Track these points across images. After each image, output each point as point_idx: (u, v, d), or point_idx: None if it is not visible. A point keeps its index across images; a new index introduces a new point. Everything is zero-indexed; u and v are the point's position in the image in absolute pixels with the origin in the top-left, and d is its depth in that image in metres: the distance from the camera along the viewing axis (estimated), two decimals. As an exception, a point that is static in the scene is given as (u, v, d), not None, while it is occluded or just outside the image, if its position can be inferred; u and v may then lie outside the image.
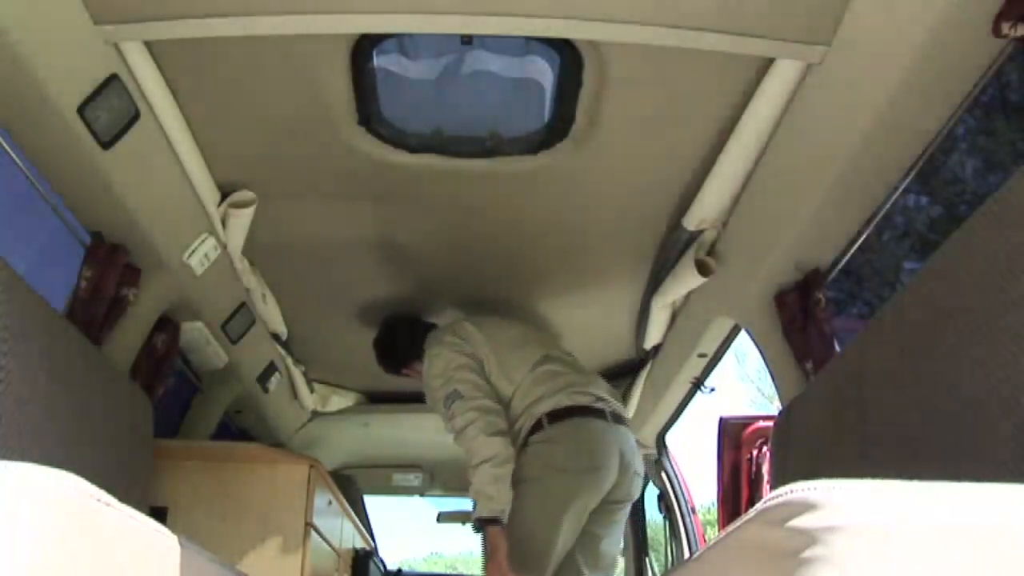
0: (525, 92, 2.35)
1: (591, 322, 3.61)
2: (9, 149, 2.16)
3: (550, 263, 3.18)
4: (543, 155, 2.51)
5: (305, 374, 4.01)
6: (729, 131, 2.33)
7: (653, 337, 3.45)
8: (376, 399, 4.49)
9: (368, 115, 2.38)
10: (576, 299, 3.43)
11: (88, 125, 2.05)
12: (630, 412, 4.06)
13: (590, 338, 3.76)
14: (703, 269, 2.75)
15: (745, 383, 16.22)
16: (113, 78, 2.07)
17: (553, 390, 2.96)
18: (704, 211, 2.63)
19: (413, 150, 2.51)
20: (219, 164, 2.58)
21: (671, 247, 2.86)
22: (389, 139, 2.48)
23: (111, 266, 2.47)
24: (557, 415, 2.89)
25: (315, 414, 4.41)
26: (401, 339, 3.45)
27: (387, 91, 2.33)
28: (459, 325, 3.23)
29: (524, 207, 2.82)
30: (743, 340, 3.02)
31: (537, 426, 2.91)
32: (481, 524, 2.84)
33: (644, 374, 3.80)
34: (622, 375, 3.98)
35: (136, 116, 2.19)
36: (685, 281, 2.89)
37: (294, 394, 4.10)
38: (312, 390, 4.18)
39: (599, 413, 2.93)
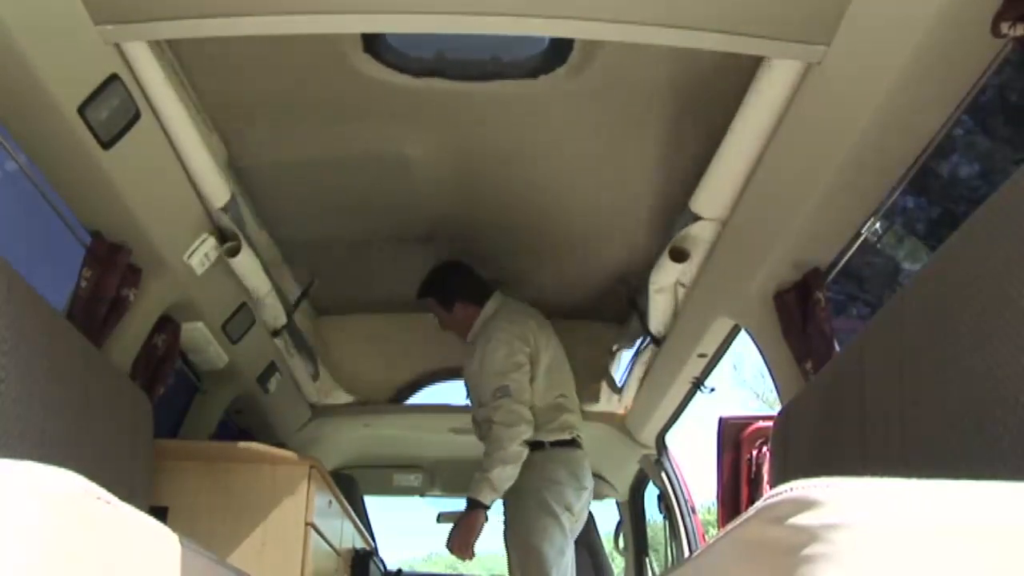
0: None
1: (586, 253, 3.66)
2: (9, 149, 2.16)
3: (549, 187, 3.21)
4: (543, 79, 2.53)
5: (312, 353, 3.99)
6: (732, 114, 2.35)
7: (655, 321, 3.46)
8: (378, 399, 4.49)
9: (373, 41, 2.42)
10: (575, 226, 3.46)
11: (88, 125, 2.06)
12: (627, 398, 4.05)
13: (583, 270, 3.81)
14: (678, 256, 2.85)
15: (743, 388, 16.21)
16: (113, 78, 2.07)
17: (564, 425, 3.60)
18: (705, 203, 2.69)
19: (416, 74, 2.56)
20: (222, 87, 2.57)
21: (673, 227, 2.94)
22: (393, 64, 2.51)
23: (111, 266, 2.47)
24: (558, 443, 3.54)
25: (315, 414, 4.41)
26: (465, 278, 3.71)
27: None
28: (525, 324, 3.60)
29: (525, 130, 2.85)
30: (739, 346, 3.03)
31: (539, 445, 3.49)
32: (474, 504, 3.40)
33: (643, 359, 3.80)
34: (609, 321, 4.09)
35: (136, 116, 2.20)
36: (666, 268, 2.99)
37: (297, 388, 4.10)
38: (317, 375, 4.15)
39: (580, 445, 3.64)
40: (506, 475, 3.37)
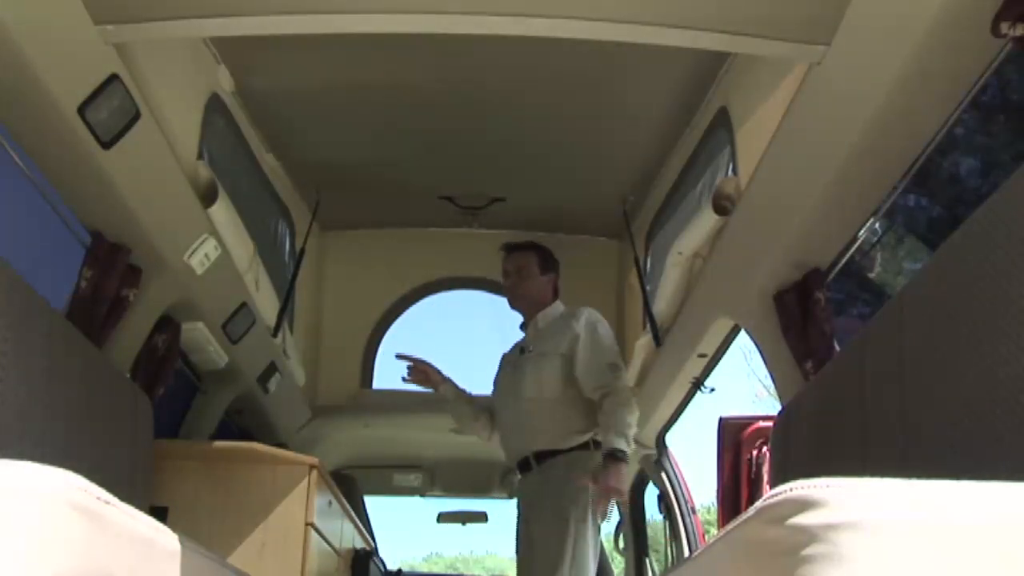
0: None
1: (585, 172, 3.81)
2: (9, 149, 2.16)
3: (552, 111, 3.31)
4: None
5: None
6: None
7: (663, 296, 3.45)
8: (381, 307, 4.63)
9: None
10: (576, 148, 3.57)
11: (88, 125, 2.06)
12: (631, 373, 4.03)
13: (582, 188, 3.96)
14: (720, 210, 2.77)
15: (751, 380, 16.12)
16: (113, 78, 2.07)
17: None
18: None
19: None
20: None
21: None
22: None
23: (111, 266, 2.47)
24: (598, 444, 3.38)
25: (315, 414, 4.41)
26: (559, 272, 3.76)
27: None
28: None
29: (529, 49, 2.83)
30: (746, 339, 3.00)
31: (596, 443, 3.38)
32: (622, 453, 3.23)
33: (641, 342, 3.79)
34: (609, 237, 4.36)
35: (136, 116, 2.20)
36: (701, 226, 2.92)
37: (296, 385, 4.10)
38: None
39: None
40: (633, 433, 3.30)
